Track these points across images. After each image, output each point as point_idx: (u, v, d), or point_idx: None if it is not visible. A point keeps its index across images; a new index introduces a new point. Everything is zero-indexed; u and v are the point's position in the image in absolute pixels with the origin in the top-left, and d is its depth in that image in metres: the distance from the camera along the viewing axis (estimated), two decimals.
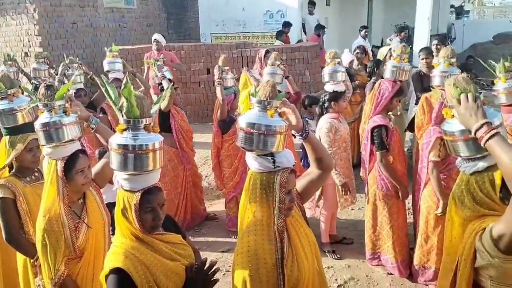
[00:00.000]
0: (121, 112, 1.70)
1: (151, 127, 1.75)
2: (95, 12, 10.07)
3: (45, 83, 2.27)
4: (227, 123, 4.45)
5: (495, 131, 1.49)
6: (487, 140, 1.49)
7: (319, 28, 8.87)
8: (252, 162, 1.84)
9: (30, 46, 9.21)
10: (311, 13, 10.12)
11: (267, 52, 5.54)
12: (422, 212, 3.43)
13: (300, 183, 1.97)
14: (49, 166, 2.24)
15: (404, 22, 11.87)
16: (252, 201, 1.84)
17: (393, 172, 3.51)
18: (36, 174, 2.66)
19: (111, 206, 2.08)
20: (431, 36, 7.70)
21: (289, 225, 1.88)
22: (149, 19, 11.58)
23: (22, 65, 8.14)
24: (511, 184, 1.45)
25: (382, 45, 11.14)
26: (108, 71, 4.86)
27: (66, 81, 4.52)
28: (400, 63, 3.57)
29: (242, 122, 1.79)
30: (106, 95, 1.79)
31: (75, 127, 2.24)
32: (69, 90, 4.48)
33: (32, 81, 5.55)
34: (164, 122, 4.57)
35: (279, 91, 1.88)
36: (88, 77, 4.82)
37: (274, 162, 1.78)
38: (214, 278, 1.82)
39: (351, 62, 6.46)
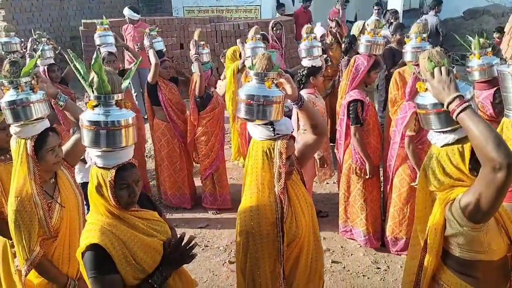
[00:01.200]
0: (92, 88, 1.65)
1: (123, 102, 1.71)
2: None
3: (10, 59, 2.16)
4: (204, 100, 4.38)
5: (466, 104, 1.52)
6: (459, 113, 1.52)
7: (343, 1, 8.63)
8: (254, 131, 1.98)
9: None
10: None
11: (274, 24, 5.73)
12: (395, 185, 3.52)
13: (298, 148, 2.10)
14: (18, 146, 2.17)
15: None
16: (254, 167, 1.98)
17: (364, 148, 3.56)
18: (11, 153, 2.58)
19: (87, 185, 2.04)
20: (386, 10, 7.73)
21: (289, 187, 2.03)
22: None
23: None
24: (480, 155, 1.49)
25: (355, 20, 11.10)
26: (99, 45, 4.66)
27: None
28: (374, 37, 3.59)
29: (242, 94, 1.90)
30: (75, 71, 1.73)
31: (43, 104, 2.17)
32: (38, 66, 4.30)
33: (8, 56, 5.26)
34: (154, 95, 4.46)
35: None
36: (56, 52, 4.63)
37: (274, 130, 1.92)
38: (192, 253, 1.83)
39: (323, 36, 6.43)
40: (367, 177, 3.60)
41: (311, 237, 2.12)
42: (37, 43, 4.56)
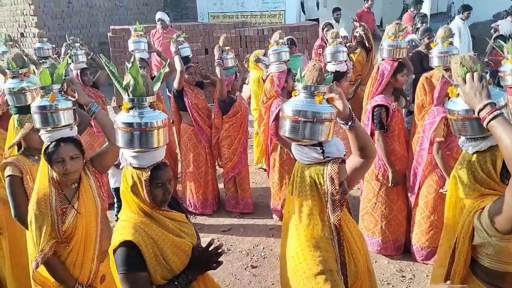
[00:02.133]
0: (127, 91, 1.70)
1: (156, 104, 1.76)
2: None
3: (43, 67, 2.24)
4: (227, 104, 4.44)
5: (498, 112, 1.49)
6: (490, 120, 1.49)
7: (415, 4, 8.35)
8: (299, 152, 1.71)
9: (26, 27, 9.08)
10: None
11: (325, 25, 5.81)
12: (423, 193, 3.44)
13: None
14: (44, 147, 2.21)
15: (404, 1, 11.71)
16: (301, 195, 1.70)
17: (388, 154, 3.49)
18: None
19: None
20: (415, 14, 7.58)
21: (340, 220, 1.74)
22: None
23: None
24: (510, 165, 1.45)
25: (381, 25, 10.99)
26: (133, 51, 4.76)
27: (69, 61, 4.45)
28: (395, 41, 3.53)
29: (287, 110, 1.67)
30: (110, 75, 1.78)
31: (68, 112, 2.16)
32: (71, 70, 4.39)
33: (42, 61, 5.43)
34: (181, 100, 4.52)
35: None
36: (89, 57, 4.77)
37: (323, 152, 1.66)
38: (219, 260, 1.84)
39: (345, 38, 6.40)
40: (390, 185, 3.55)
41: (367, 277, 1.84)
42: (71, 48, 4.70)
